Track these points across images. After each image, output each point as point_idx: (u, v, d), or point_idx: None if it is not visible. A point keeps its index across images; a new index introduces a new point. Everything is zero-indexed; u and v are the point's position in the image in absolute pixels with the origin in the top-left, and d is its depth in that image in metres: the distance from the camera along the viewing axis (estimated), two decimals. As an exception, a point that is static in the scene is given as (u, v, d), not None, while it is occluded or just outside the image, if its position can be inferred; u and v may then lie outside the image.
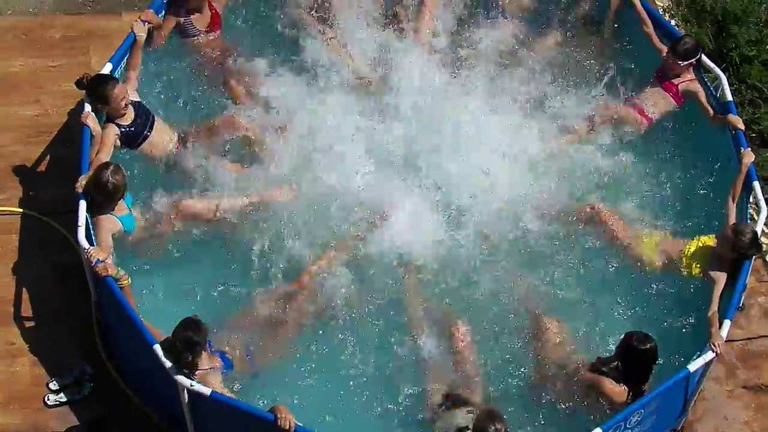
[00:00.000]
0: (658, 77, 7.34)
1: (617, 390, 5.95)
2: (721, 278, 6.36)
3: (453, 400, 6.23)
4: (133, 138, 6.62)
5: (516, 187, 7.10)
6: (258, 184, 6.91)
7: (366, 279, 6.69)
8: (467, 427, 6.03)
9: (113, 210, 6.25)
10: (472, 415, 6.05)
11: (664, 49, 7.28)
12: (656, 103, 7.37)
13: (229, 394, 5.93)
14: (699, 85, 7.25)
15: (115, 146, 6.58)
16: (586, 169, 7.28)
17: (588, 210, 6.91)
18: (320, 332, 6.49)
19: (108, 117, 6.56)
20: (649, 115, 7.38)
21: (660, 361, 6.20)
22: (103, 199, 6.14)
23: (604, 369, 6.13)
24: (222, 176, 6.87)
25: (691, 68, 7.29)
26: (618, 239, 6.83)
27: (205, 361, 5.95)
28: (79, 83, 6.69)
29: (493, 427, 5.65)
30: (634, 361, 5.96)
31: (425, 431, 6.15)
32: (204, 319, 5.99)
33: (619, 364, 6.07)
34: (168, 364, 5.78)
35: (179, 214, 6.57)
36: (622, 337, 6.14)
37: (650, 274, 6.79)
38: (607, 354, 6.34)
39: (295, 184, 6.81)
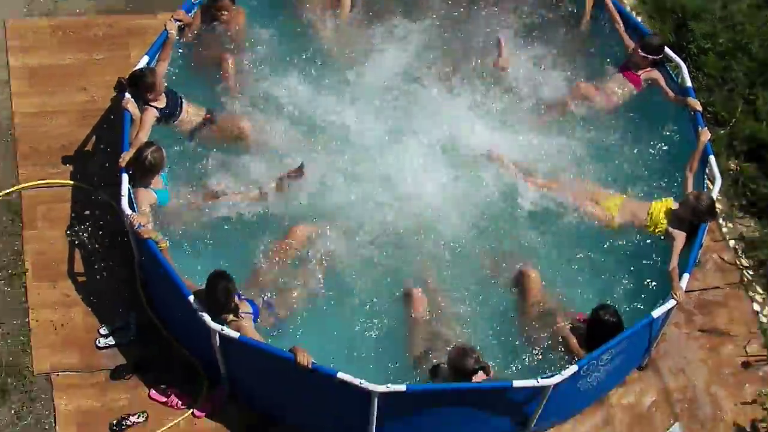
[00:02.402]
0: (622, 69, 7.91)
1: (578, 351, 6.59)
2: (680, 237, 6.97)
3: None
4: (168, 117, 7.28)
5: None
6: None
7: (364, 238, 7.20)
8: (439, 364, 6.53)
9: (150, 184, 6.83)
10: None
11: (632, 44, 7.85)
12: (619, 89, 7.93)
13: (258, 337, 6.42)
14: (659, 73, 7.80)
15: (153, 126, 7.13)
16: (561, 142, 7.81)
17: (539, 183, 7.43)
18: (328, 285, 6.98)
19: (145, 101, 7.14)
20: (614, 99, 7.92)
21: (628, 308, 6.84)
22: (142, 173, 6.76)
23: (575, 326, 6.74)
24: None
25: (653, 63, 7.81)
26: (576, 200, 7.35)
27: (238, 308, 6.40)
28: (119, 86, 7.28)
29: (471, 360, 6.17)
30: (598, 331, 6.58)
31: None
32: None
33: (587, 329, 6.64)
34: (201, 312, 6.29)
35: (207, 200, 7.13)
36: (595, 306, 6.66)
37: (612, 230, 7.36)
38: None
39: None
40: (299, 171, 7.25)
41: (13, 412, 6.85)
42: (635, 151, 7.91)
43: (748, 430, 7.34)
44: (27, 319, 7.06)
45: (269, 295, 6.81)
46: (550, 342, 6.83)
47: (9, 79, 8.28)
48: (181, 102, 7.42)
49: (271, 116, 7.73)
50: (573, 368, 6.34)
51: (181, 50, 7.81)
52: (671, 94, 7.76)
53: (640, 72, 7.86)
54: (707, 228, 7.25)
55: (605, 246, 7.46)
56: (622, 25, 8.05)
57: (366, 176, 7.49)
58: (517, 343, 7.00)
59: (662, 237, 7.16)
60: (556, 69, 8.13)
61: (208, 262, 6.99)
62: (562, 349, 6.78)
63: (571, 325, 6.79)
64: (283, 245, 7.04)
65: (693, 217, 6.96)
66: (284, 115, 7.78)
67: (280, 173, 7.27)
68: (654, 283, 7.21)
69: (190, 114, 7.49)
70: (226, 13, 7.74)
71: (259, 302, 6.72)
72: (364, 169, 7.53)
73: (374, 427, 6.67)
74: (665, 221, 7.14)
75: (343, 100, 7.86)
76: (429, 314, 6.91)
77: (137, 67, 7.24)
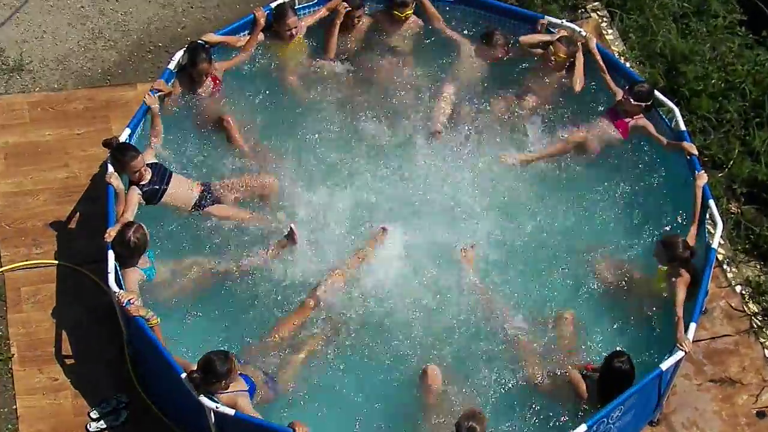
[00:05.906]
0: (609, 115, 7.94)
1: (587, 397, 6.63)
2: (679, 290, 6.95)
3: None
4: (152, 194, 7.25)
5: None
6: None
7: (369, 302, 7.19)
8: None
9: (137, 263, 6.86)
10: None
11: (619, 92, 7.92)
12: (607, 136, 7.98)
13: (255, 414, 6.39)
14: (647, 120, 7.82)
15: (140, 204, 7.18)
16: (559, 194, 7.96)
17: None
18: (331, 354, 7.00)
19: (130, 179, 7.16)
20: (601, 147, 7.95)
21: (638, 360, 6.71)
22: (127, 254, 6.78)
23: (586, 374, 6.74)
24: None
25: (642, 110, 7.86)
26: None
27: (231, 386, 6.42)
28: (107, 143, 7.32)
29: (467, 424, 6.18)
30: (611, 378, 6.59)
31: None
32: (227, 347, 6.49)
33: (600, 377, 6.66)
34: (194, 391, 6.25)
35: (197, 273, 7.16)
36: (609, 354, 6.66)
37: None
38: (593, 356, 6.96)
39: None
40: (292, 240, 7.29)
41: (2, 504, 6.37)
42: (632, 201, 8.03)
43: (768, 482, 6.99)
44: (15, 407, 7.01)
45: (272, 369, 6.88)
46: (557, 394, 6.86)
47: (-16, 158, 8.20)
48: (170, 175, 7.43)
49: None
50: (582, 427, 6.27)
51: (169, 120, 7.92)
52: (663, 140, 7.78)
53: (627, 119, 7.90)
54: (711, 275, 7.20)
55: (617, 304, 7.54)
56: (607, 72, 8.19)
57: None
58: (527, 401, 6.98)
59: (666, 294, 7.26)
60: (541, 117, 8.38)
61: (199, 336, 7.03)
62: (571, 402, 6.77)
63: (582, 374, 6.84)
64: (292, 318, 7.16)
65: (676, 263, 7.09)
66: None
67: (271, 244, 7.36)
68: (663, 337, 7.23)
69: (180, 186, 7.55)
70: (206, 77, 7.88)
71: (259, 376, 6.74)
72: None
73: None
74: (662, 282, 7.29)
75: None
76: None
77: (120, 140, 7.29)
